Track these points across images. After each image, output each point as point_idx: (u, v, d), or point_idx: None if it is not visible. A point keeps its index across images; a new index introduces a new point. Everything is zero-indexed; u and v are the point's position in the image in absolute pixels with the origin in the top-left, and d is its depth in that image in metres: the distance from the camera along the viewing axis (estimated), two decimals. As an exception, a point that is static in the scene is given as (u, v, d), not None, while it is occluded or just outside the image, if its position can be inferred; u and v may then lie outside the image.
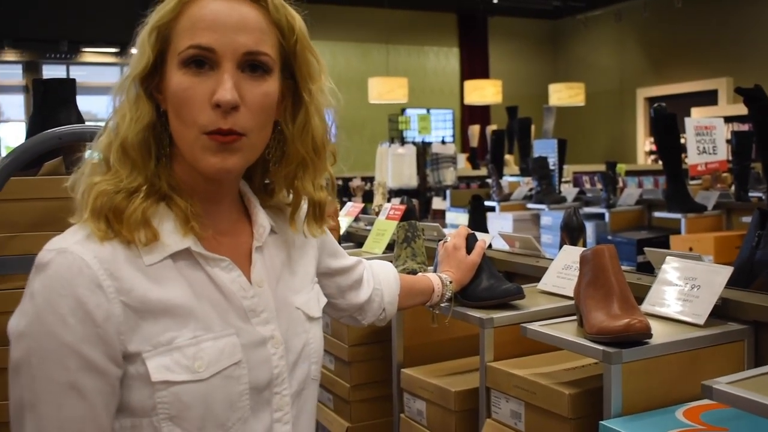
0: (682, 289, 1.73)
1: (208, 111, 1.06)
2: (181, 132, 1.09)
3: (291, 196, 1.27)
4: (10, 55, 11.55)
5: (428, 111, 12.20)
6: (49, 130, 1.93)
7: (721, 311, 1.68)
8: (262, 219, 1.23)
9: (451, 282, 1.82)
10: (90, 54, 11.97)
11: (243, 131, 1.08)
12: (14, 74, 11.92)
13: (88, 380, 1.02)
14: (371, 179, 8.50)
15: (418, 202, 6.33)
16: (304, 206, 1.28)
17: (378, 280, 1.65)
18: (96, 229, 1.06)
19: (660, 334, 1.57)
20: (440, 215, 6.74)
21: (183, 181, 1.14)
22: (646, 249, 1.98)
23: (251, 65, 1.09)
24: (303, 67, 1.17)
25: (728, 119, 8.60)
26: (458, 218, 6.09)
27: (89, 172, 1.11)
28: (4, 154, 3.41)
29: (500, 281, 1.92)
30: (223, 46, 1.06)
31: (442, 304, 1.83)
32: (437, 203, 7.59)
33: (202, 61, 1.07)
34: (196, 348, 1.08)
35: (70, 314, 1.01)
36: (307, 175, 1.22)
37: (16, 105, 11.97)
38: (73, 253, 1.03)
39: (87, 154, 1.16)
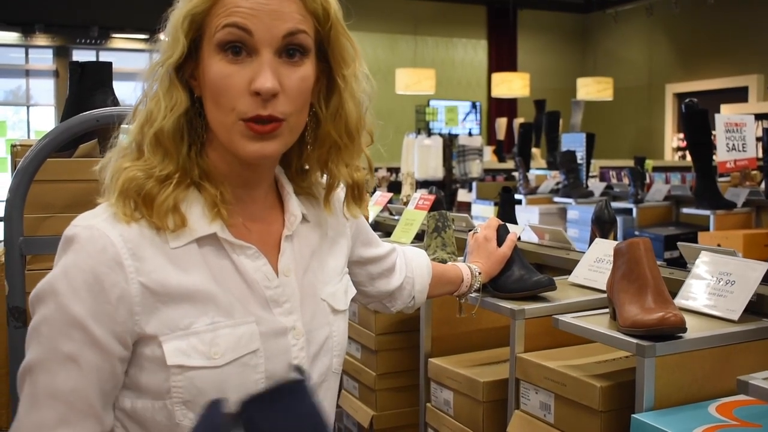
0: (716, 285, 1.72)
1: (246, 98, 1.06)
2: (219, 118, 1.09)
3: (326, 178, 1.27)
4: (41, 40, 11.62)
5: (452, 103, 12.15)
6: (87, 112, 1.95)
7: (755, 307, 1.67)
8: (294, 207, 1.23)
9: (480, 273, 1.82)
10: (119, 40, 12.01)
11: (282, 116, 1.08)
12: (45, 59, 12.00)
13: (89, 355, 1.03)
14: (397, 170, 8.50)
15: (443, 194, 6.32)
16: (340, 190, 1.29)
17: (411, 267, 1.64)
18: (122, 213, 1.07)
19: (694, 328, 1.56)
20: (465, 207, 6.72)
21: (216, 166, 1.14)
22: (679, 244, 1.97)
23: (288, 51, 1.09)
24: (337, 51, 1.17)
25: (758, 116, 8.50)
26: (484, 210, 6.07)
27: (118, 156, 1.12)
28: (33, 138, 3.43)
29: (531, 272, 1.91)
30: (261, 31, 1.06)
31: (471, 295, 1.83)
32: (462, 195, 7.56)
33: (239, 48, 1.06)
34: (214, 334, 1.08)
35: (85, 288, 1.02)
36: (340, 158, 1.22)
37: (46, 89, 12.05)
38: (99, 229, 1.05)
39: (121, 138, 1.16)
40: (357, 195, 1.28)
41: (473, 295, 1.83)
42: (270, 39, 1.07)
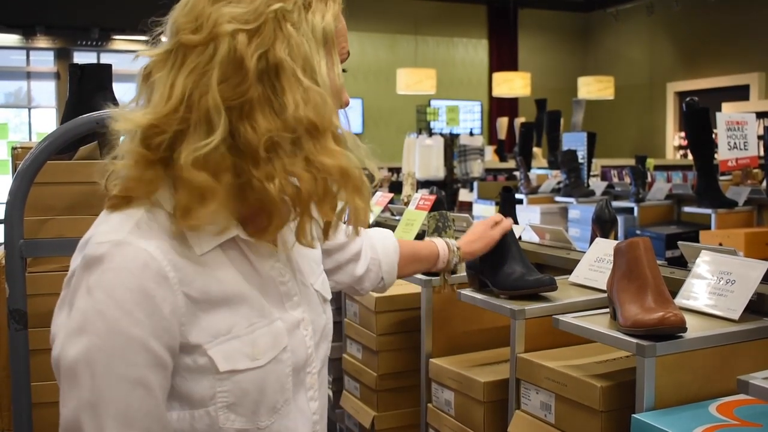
0: (717, 284, 1.72)
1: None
2: None
3: None
4: (42, 42, 11.63)
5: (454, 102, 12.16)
6: (86, 114, 1.95)
7: (756, 306, 1.67)
8: None
9: (458, 248, 1.83)
10: (120, 41, 12.03)
11: None
12: (46, 61, 12.00)
13: (155, 375, 1.00)
14: (398, 170, 8.49)
15: (444, 194, 6.31)
16: None
17: (376, 249, 1.68)
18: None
19: (694, 328, 1.56)
20: (467, 207, 6.72)
21: None
22: (680, 243, 1.97)
23: None
24: None
25: (760, 114, 8.49)
26: (485, 210, 6.06)
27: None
28: (34, 140, 3.43)
29: (532, 271, 1.92)
30: None
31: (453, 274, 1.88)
32: (464, 195, 7.55)
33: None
34: (253, 336, 1.09)
35: (138, 308, 0.98)
36: None
37: (48, 91, 12.05)
38: (133, 244, 1.00)
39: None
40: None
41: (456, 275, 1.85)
42: None
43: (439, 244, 1.82)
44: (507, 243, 1.94)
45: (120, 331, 0.97)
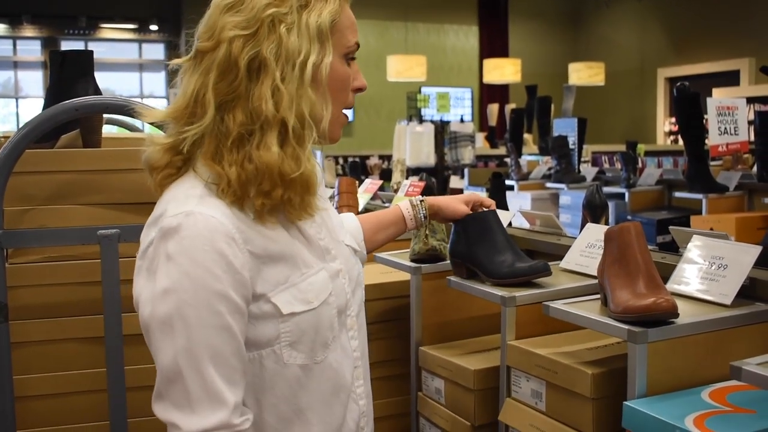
0: (709, 269, 1.70)
1: (351, 94, 1.34)
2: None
3: None
4: (29, 31, 11.56)
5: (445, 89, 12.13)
6: (65, 101, 1.91)
7: (748, 291, 1.65)
8: None
9: (422, 201, 1.84)
10: (108, 30, 11.96)
11: None
12: (33, 50, 11.94)
13: (235, 321, 1.19)
14: (389, 157, 8.47)
15: (435, 181, 6.27)
16: None
17: None
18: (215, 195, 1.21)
19: (686, 313, 1.54)
20: (458, 194, 6.70)
21: None
22: (671, 228, 1.95)
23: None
24: None
25: (750, 100, 8.48)
26: (476, 197, 6.04)
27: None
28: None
29: (524, 258, 1.89)
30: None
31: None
32: (455, 182, 7.54)
33: (353, 57, 1.32)
34: (306, 283, 1.28)
35: (215, 266, 1.16)
36: None
37: (35, 81, 12.00)
38: (203, 213, 1.18)
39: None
40: None
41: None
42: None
43: (401, 204, 1.82)
44: (494, 230, 1.91)
45: (204, 286, 1.15)
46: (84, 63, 2.19)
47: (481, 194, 1.96)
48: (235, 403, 1.18)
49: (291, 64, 1.20)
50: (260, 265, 1.22)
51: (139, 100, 2.24)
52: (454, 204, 1.90)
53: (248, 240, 1.21)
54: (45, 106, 2.13)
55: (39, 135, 1.91)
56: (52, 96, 2.15)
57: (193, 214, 1.18)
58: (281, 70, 1.20)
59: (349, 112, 1.43)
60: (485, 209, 1.92)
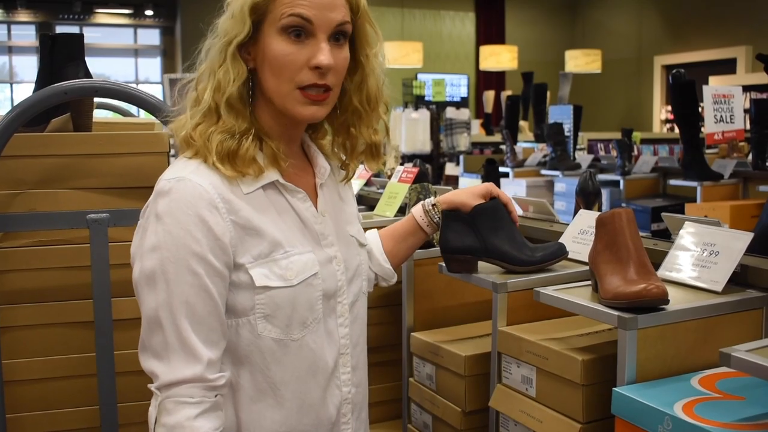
0: (700, 255, 1.69)
1: (305, 71, 1.32)
2: (277, 87, 1.34)
3: (349, 143, 1.50)
4: (24, 16, 11.50)
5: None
6: (54, 85, 1.89)
7: (739, 278, 1.65)
8: (323, 162, 1.50)
9: (434, 205, 1.77)
10: (103, 15, 11.90)
11: (332, 87, 1.35)
12: (28, 35, 11.89)
13: (214, 284, 1.27)
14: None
15: (431, 168, 6.26)
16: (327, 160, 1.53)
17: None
18: (224, 170, 1.30)
19: (677, 300, 1.53)
20: (453, 181, 6.68)
21: (270, 126, 1.39)
22: (663, 214, 1.94)
23: (336, 36, 1.34)
24: (363, 35, 1.43)
25: (746, 88, 8.47)
26: (471, 184, 5.99)
27: (194, 120, 1.35)
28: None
29: (538, 246, 1.87)
30: (319, 20, 1.31)
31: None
32: (450, 169, 7.52)
33: (300, 31, 1.31)
34: (288, 261, 1.34)
35: (196, 229, 1.26)
36: (362, 122, 1.47)
37: (30, 66, 11.93)
38: (191, 180, 1.28)
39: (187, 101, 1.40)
40: (375, 152, 1.52)
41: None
42: (326, 27, 1.32)
43: (414, 212, 1.77)
44: (506, 217, 1.82)
45: (185, 245, 1.25)
46: (74, 46, 2.18)
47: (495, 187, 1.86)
48: (209, 360, 1.27)
49: (217, 47, 1.33)
50: (244, 235, 1.31)
51: (134, 85, 2.22)
52: (469, 201, 1.79)
53: (233, 210, 1.30)
54: (35, 90, 2.11)
55: (28, 118, 1.90)
56: (41, 80, 2.14)
57: (183, 180, 1.28)
58: (215, 51, 1.34)
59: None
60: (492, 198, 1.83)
